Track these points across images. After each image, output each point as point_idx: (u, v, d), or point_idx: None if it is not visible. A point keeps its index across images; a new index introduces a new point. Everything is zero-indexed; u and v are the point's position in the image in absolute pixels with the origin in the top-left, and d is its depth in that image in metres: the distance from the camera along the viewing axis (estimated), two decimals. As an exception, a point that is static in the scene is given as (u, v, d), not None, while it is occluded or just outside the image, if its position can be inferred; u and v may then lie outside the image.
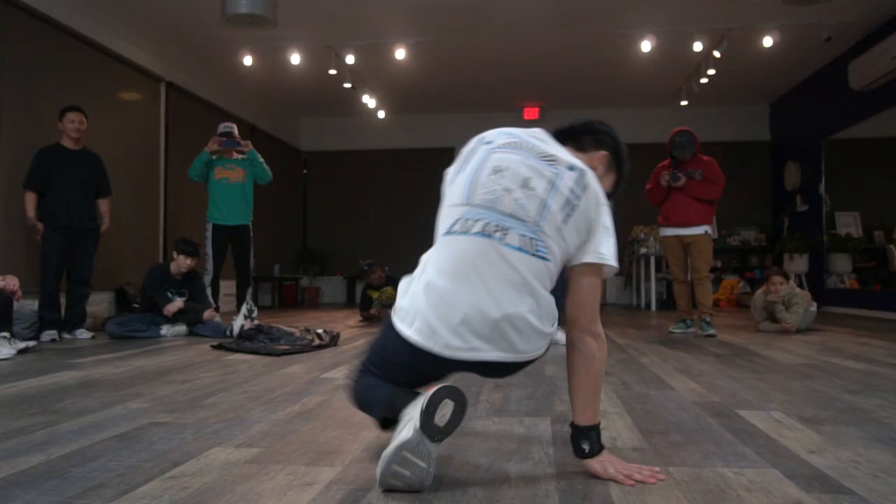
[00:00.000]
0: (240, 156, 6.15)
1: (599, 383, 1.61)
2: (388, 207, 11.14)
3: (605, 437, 1.92)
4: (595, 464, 1.57)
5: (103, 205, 5.29)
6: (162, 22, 6.99)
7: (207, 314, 5.38)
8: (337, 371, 3.28)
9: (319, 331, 4.58)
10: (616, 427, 2.07)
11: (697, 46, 7.36)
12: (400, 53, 7.70)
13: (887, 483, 1.50)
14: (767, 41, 7.24)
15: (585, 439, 1.58)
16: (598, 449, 1.58)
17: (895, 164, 7.80)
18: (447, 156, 11.61)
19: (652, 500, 1.39)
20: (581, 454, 1.59)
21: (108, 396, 2.59)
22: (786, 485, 1.50)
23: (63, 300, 5.11)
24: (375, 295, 6.91)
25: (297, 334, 4.43)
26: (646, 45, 7.37)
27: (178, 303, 5.30)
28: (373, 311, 6.81)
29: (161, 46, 7.36)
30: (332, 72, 8.06)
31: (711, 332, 5.09)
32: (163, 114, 7.47)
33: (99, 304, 6.10)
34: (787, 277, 5.60)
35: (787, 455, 1.74)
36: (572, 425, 1.61)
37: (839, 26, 7.00)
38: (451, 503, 1.37)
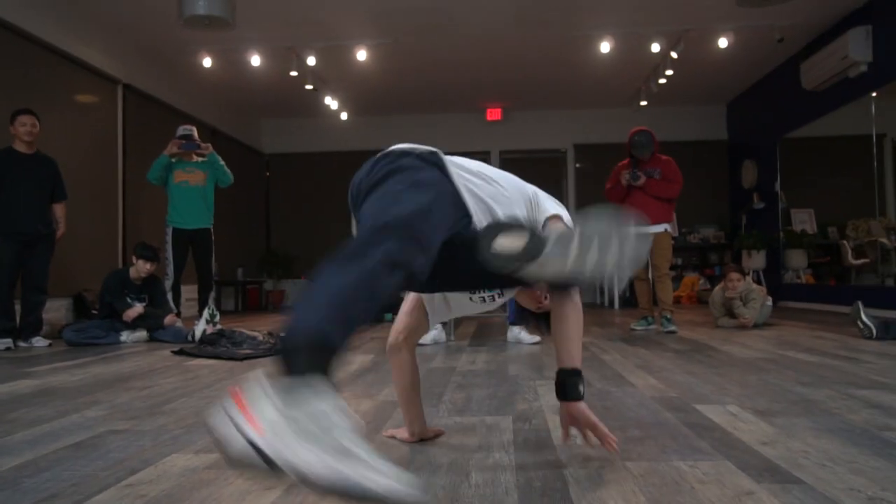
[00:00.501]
0: (200, 159, 6.08)
1: (581, 329, 1.71)
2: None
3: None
4: (585, 408, 1.66)
5: (58, 210, 5.18)
6: (118, 23, 6.88)
7: (168, 319, 5.31)
8: (300, 374, 3.26)
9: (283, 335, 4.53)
10: (576, 424, 2.10)
11: (655, 47, 7.48)
12: (361, 55, 7.68)
13: (834, 471, 1.55)
14: (723, 42, 7.39)
15: (581, 382, 1.66)
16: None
17: (848, 162, 8.02)
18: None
19: (608, 495, 1.42)
20: (577, 396, 1.65)
21: (64, 405, 2.54)
22: (738, 476, 1.53)
23: (18, 308, 4.99)
24: (340, 297, 6.88)
25: (260, 338, 4.39)
26: (605, 47, 7.47)
27: (137, 308, 5.22)
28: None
29: (117, 48, 7.23)
30: (294, 73, 8.00)
31: (672, 328, 5.18)
32: (120, 117, 7.34)
33: (56, 311, 5.98)
34: (744, 274, 5.72)
35: (740, 447, 1.78)
36: (566, 371, 1.66)
37: (791, 28, 7.17)
38: (411, 503, 1.38)
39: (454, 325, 5.08)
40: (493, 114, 10.77)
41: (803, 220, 8.70)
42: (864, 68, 6.72)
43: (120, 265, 6.95)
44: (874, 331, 4.31)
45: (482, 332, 5.42)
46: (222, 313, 8.44)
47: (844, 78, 7.00)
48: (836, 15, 7.09)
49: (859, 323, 4.41)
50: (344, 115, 10.11)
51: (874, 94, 6.83)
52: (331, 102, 9.46)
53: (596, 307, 9.22)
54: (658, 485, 1.48)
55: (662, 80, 8.45)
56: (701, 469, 1.59)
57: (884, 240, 6.96)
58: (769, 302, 5.60)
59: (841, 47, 6.80)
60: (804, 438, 1.85)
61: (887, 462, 1.61)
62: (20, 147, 4.93)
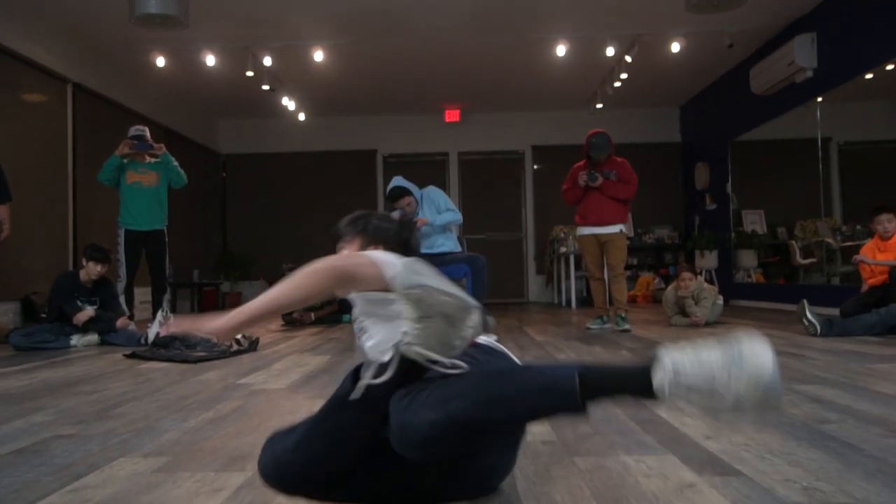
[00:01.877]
0: (152, 159, 5.98)
1: None
2: (310, 210, 11.01)
3: (515, 431, 1.98)
4: None
5: (2, 211, 5.05)
6: (67, 21, 6.71)
7: (120, 322, 5.21)
8: (254, 376, 3.24)
9: (238, 336, 4.50)
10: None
11: (610, 51, 7.59)
12: (318, 55, 7.64)
13: (773, 463, 1.60)
14: (675, 47, 7.53)
15: None
16: None
17: (796, 165, 8.24)
18: (369, 158, 11.60)
19: (555, 489, 1.45)
20: None
21: (7, 411, 2.48)
22: (681, 469, 1.58)
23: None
24: (297, 299, 6.83)
25: (215, 340, 4.34)
26: (561, 50, 7.56)
27: (88, 311, 5.11)
28: (294, 315, 6.73)
29: (66, 47, 7.07)
30: (250, 74, 7.92)
31: (626, 327, 5.26)
32: (70, 116, 7.17)
33: (3, 314, 5.82)
34: (695, 273, 5.85)
35: (685, 441, 1.83)
36: None
37: (740, 34, 7.35)
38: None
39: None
40: (452, 115, 10.80)
41: (754, 221, 8.92)
42: (809, 74, 6.92)
43: (71, 268, 6.79)
44: (818, 328, 4.45)
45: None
46: (178, 316, 8.31)
47: (791, 83, 7.20)
48: (783, 22, 7.29)
49: (804, 320, 4.54)
50: (302, 116, 10.04)
51: (819, 99, 7.05)
52: (288, 103, 9.38)
53: (553, 307, 9.32)
54: (604, 479, 1.52)
55: (617, 84, 8.59)
56: (646, 463, 1.63)
57: (830, 240, 7.19)
58: (720, 301, 5.73)
59: (787, 53, 7.00)
60: (746, 432, 1.91)
61: (823, 454, 1.67)
62: (-37, 146, 4.80)
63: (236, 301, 10.80)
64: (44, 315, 5.60)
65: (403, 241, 1.67)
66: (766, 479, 1.48)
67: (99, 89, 7.66)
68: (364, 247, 1.63)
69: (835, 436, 1.85)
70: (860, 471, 1.53)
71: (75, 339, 5.01)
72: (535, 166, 11.14)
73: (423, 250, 4.99)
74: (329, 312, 6.80)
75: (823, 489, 1.41)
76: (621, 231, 5.48)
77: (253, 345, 4.44)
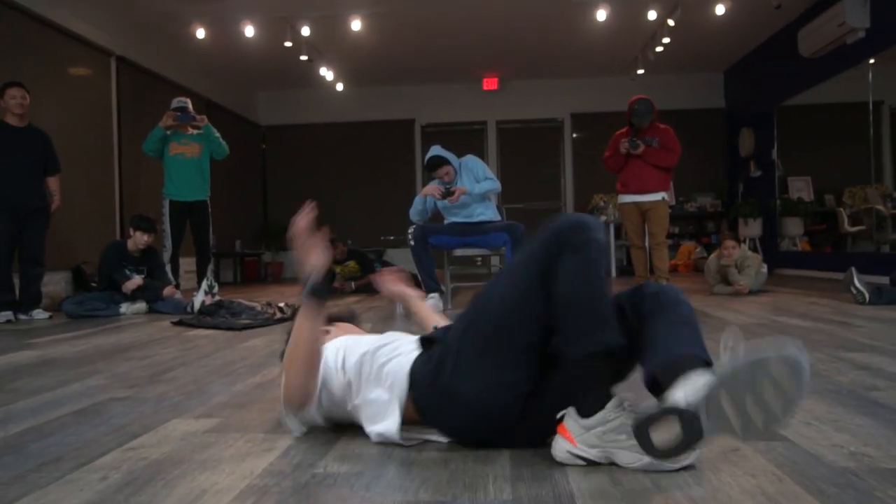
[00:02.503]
0: (195, 131, 6.07)
1: None
2: (348, 181, 11.07)
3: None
4: None
5: (52, 183, 5.18)
6: (109, -6, 6.81)
7: (167, 291, 5.34)
8: (298, 343, 3.30)
9: (281, 304, 4.58)
10: (569, 387, 2.14)
11: (652, 15, 7.41)
12: (356, 24, 7.62)
13: (819, 429, 1.59)
14: (720, 9, 7.32)
15: None
16: None
17: (845, 130, 7.99)
18: (407, 127, 11.61)
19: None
20: None
21: (65, 374, 2.58)
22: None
23: (17, 281, 5.02)
24: (338, 269, 6.92)
25: (259, 308, 4.43)
26: (601, 14, 7.40)
27: (136, 280, 5.25)
28: (336, 284, 6.82)
29: (109, 20, 7.17)
30: (288, 44, 7.94)
31: (667, 295, 5.21)
32: (114, 89, 7.30)
33: (55, 283, 6.01)
34: (739, 241, 5.75)
35: (729, 408, 1.82)
36: None
37: (789, -6, 7.12)
38: (406, 464, 1.42)
39: (451, 295, 5.12)
40: (490, 83, 10.71)
41: (800, 188, 8.71)
42: (861, 35, 6.68)
43: (118, 238, 6.97)
44: (867, 296, 4.35)
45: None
46: (221, 285, 8.48)
47: (842, 45, 6.96)
48: (834, -20, 7.03)
49: (852, 289, 4.45)
50: (340, 86, 10.06)
51: (871, 61, 6.80)
52: (326, 73, 9.40)
53: (593, 276, 9.26)
54: (647, 443, 1.52)
55: (659, 48, 8.39)
56: (689, 428, 1.63)
57: (880, 207, 6.98)
58: (764, 269, 5.64)
59: (838, 13, 6.75)
60: (792, 399, 1.89)
61: (871, 420, 1.65)
62: (11, 120, 4.92)
63: (278, 271, 10.98)
64: (94, 284, 5.77)
65: None
66: (812, 444, 1.47)
67: (142, 62, 7.76)
68: None
69: (883, 402, 1.82)
70: (910, 437, 1.51)
71: (124, 307, 5.16)
72: (574, 134, 11.00)
73: (462, 219, 5.00)
74: (368, 282, 6.87)
75: (871, 454, 1.39)
76: (663, 199, 5.41)
77: (296, 313, 4.51)
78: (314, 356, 1.56)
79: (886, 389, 1.98)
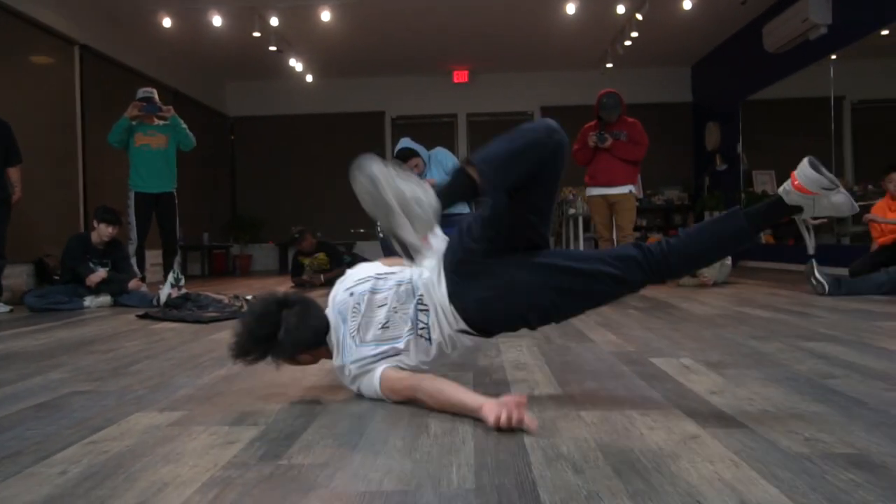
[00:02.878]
0: (161, 122, 5.98)
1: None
2: (318, 173, 11.00)
3: (523, 387, 2.02)
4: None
5: (13, 174, 5.07)
6: (72, -19, 6.67)
7: (133, 284, 5.26)
8: (265, 336, 3.28)
9: (248, 297, 4.55)
10: (535, 377, 2.16)
11: (620, 9, 7.48)
12: (326, 15, 7.56)
13: (776, 416, 1.63)
14: (687, 4, 7.40)
15: None
16: None
17: (808, 124, 8.14)
18: (377, 120, 11.55)
19: (561, 441, 1.48)
20: None
21: (26, 368, 2.54)
22: (686, 422, 1.60)
23: (-23, 274, 4.91)
24: (307, 261, 6.88)
25: (226, 301, 4.39)
26: (570, 8, 7.44)
27: (100, 273, 5.16)
28: (304, 277, 6.78)
29: (72, 8, 7.02)
30: (257, 34, 7.85)
31: (634, 287, 5.27)
32: (78, 79, 7.16)
33: (17, 276, 5.89)
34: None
35: (690, 397, 1.86)
36: None
37: (754, -11, 7.22)
38: (371, 454, 1.43)
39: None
40: (460, 76, 10.72)
41: (764, 182, 8.86)
42: (823, 31, 6.81)
43: (82, 230, 6.85)
44: (826, 287, 4.45)
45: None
46: (188, 278, 8.39)
47: (805, 40, 7.09)
48: (798, -23, 7.14)
49: (813, 280, 4.55)
50: (309, 78, 9.98)
51: (833, 57, 6.93)
52: (296, 64, 9.31)
53: (562, 269, 9.33)
54: (609, 431, 1.55)
55: (628, 43, 8.46)
56: (651, 417, 1.66)
57: (840, 200, 7.12)
58: (728, 261, 5.74)
59: (802, 10, 6.87)
60: (751, 388, 1.93)
61: (826, 407, 1.70)
62: (-28, 109, 4.81)
63: (246, 263, 10.88)
64: (57, 277, 5.67)
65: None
66: (769, 431, 1.51)
67: (106, 51, 7.62)
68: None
69: (838, 390, 1.87)
70: (862, 423, 1.55)
71: (88, 301, 5.08)
72: (545, 127, 11.04)
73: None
74: (338, 274, 6.83)
75: (825, 440, 1.43)
76: (631, 192, 5.46)
77: (264, 305, 4.48)
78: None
79: (842, 377, 2.03)
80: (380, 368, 1.83)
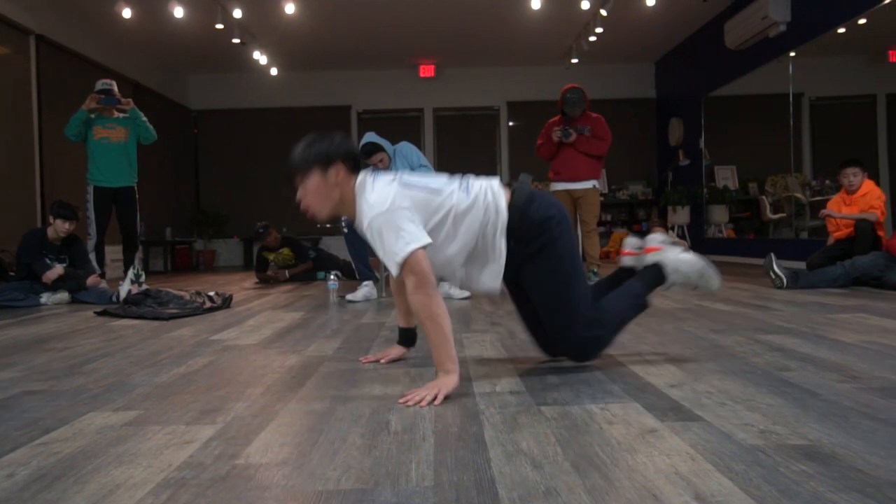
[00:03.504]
0: (121, 114, 5.86)
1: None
2: (284, 167, 10.89)
3: (485, 383, 2.02)
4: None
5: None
6: (26, -31, 6.50)
7: (91, 280, 5.15)
8: (226, 332, 3.24)
9: (211, 293, 4.49)
10: (497, 373, 2.16)
11: (585, 5, 7.52)
12: (290, 8, 7.48)
13: (732, 409, 1.65)
14: (650, 1, 7.48)
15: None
16: None
17: (768, 120, 8.29)
18: (343, 114, 11.47)
19: (521, 437, 1.48)
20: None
21: (-23, 368, 2.47)
22: (645, 416, 1.62)
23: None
24: (271, 257, 6.81)
25: (187, 297, 4.32)
26: (535, 3, 7.46)
27: (57, 269, 5.05)
28: (269, 272, 6.72)
29: (27, -4, 6.85)
30: (219, 26, 7.74)
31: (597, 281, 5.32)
32: (34, 70, 6.98)
33: (-30, 273, 5.72)
34: (666, 229, 5.91)
35: (650, 390, 1.88)
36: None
37: (716, -13, 7.32)
38: (330, 452, 1.41)
39: (385, 283, 5.11)
40: (427, 70, 10.69)
41: (726, 177, 9.00)
42: (782, 28, 6.93)
43: (39, 225, 6.69)
44: (784, 280, 4.54)
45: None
46: (151, 274, 8.26)
47: (765, 38, 7.21)
48: (758, -25, 7.26)
49: (771, 273, 4.64)
50: (274, 71, 9.86)
51: (792, 54, 7.07)
52: (260, 57, 9.20)
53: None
54: (569, 426, 1.55)
55: (593, 38, 8.53)
56: (611, 411, 1.67)
57: (799, 195, 7.28)
58: (691, 255, 5.81)
59: (761, 7, 6.99)
60: (710, 381, 1.96)
61: (781, 399, 1.73)
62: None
63: (210, 258, 10.74)
64: (12, 273, 5.52)
65: (349, 151, 2.05)
66: (725, 423, 1.53)
67: (64, 41, 7.44)
68: (322, 174, 2.03)
69: (793, 382, 1.91)
70: (815, 414, 1.58)
71: (45, 297, 4.96)
72: (511, 122, 11.09)
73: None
74: (304, 270, 6.79)
75: (779, 432, 1.45)
76: (594, 187, 5.51)
77: (227, 301, 4.43)
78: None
79: (797, 370, 2.07)
80: (413, 245, 1.85)
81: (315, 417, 1.68)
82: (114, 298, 4.84)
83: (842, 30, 6.30)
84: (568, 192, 5.54)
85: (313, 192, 2.02)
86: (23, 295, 4.88)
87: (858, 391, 1.79)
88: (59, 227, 5.09)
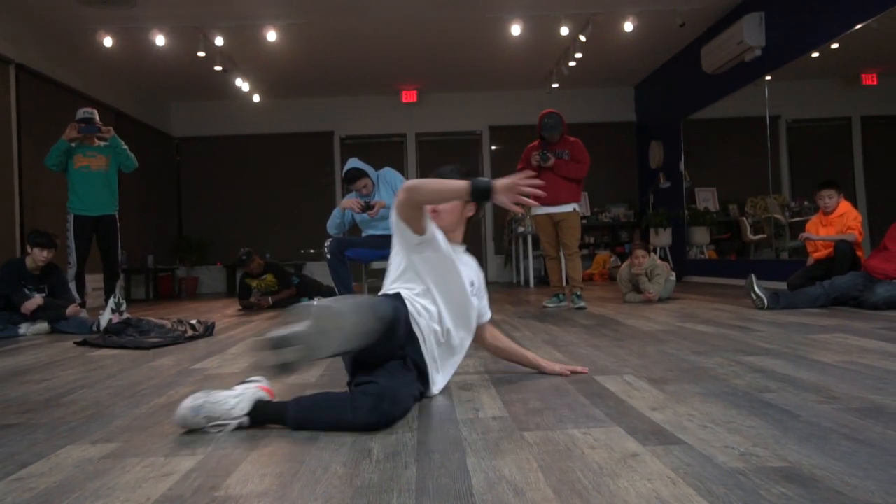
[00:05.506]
0: (101, 143, 5.85)
1: None
2: (266, 193, 10.90)
3: (468, 408, 2.01)
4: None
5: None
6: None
7: (71, 310, 5.10)
8: (208, 361, 3.21)
9: (193, 321, 4.45)
10: (481, 399, 2.16)
11: (564, 31, 7.63)
12: (271, 35, 7.52)
13: (714, 431, 1.66)
14: (628, 26, 7.60)
15: None
16: None
17: (746, 142, 8.41)
18: (326, 140, 11.52)
19: (503, 463, 1.48)
20: None
21: (-48, 401, 2.43)
22: (627, 440, 1.62)
23: None
24: (254, 283, 6.78)
25: (169, 326, 4.29)
26: (515, 29, 7.57)
27: (36, 299, 4.99)
28: (252, 299, 6.68)
29: (7, 26, 6.84)
30: (201, 54, 7.77)
31: (581, 304, 5.35)
32: (14, 98, 6.96)
33: (-53, 304, 5.64)
34: (649, 251, 5.96)
35: (632, 413, 1.88)
36: None
37: (691, 13, 7.46)
38: (311, 482, 1.40)
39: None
40: (409, 96, 10.76)
41: (706, 199, 9.10)
42: (758, 53, 7.06)
43: (18, 255, 6.63)
44: (766, 301, 4.58)
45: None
46: (132, 302, 8.18)
47: (741, 62, 7.34)
48: (732, 1, 7.41)
49: (752, 294, 4.67)
50: (256, 98, 9.90)
51: (768, 78, 7.19)
52: (242, 84, 9.23)
53: (512, 286, 9.40)
54: (551, 452, 1.55)
55: (573, 63, 8.64)
56: (593, 435, 1.67)
57: (778, 216, 7.37)
58: (672, 277, 5.86)
59: (737, 32, 7.13)
60: (691, 403, 1.97)
61: (762, 421, 1.74)
62: None
63: (192, 286, 10.66)
64: (-10, 304, 5.45)
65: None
66: (706, 446, 1.53)
67: (44, 70, 7.43)
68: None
69: (774, 403, 1.92)
70: (795, 436, 1.59)
71: (24, 328, 4.90)
72: (493, 146, 11.17)
73: (380, 231, 4.98)
74: (287, 296, 6.76)
75: (759, 454, 1.46)
76: (575, 210, 5.55)
77: (209, 330, 4.40)
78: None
79: (777, 391, 2.08)
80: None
81: (296, 446, 1.67)
82: (94, 328, 4.78)
83: (815, 54, 6.42)
84: (549, 215, 5.57)
85: (449, 210, 2.35)
86: (1, 326, 4.82)
87: (838, 412, 1.80)
88: (38, 256, 5.04)
